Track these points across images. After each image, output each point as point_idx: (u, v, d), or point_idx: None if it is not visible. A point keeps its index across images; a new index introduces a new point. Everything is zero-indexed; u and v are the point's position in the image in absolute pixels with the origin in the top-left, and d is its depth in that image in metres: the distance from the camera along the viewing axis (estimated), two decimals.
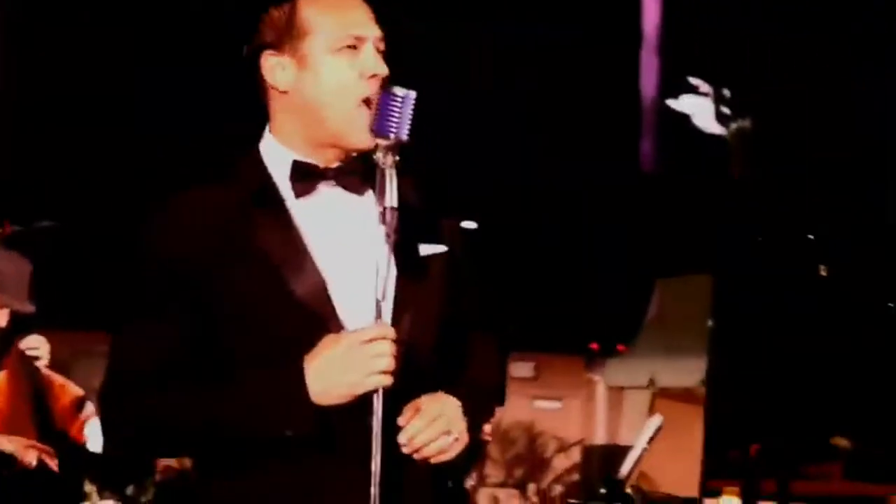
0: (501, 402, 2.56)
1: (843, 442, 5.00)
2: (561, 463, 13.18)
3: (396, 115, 2.30)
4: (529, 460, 12.61)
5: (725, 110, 17.81)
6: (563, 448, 12.77)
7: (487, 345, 2.56)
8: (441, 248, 2.48)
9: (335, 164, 2.43)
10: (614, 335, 14.44)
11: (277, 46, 2.44)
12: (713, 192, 17.10)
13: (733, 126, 17.86)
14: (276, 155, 2.47)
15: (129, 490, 6.33)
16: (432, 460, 2.32)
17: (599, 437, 13.76)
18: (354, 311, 2.38)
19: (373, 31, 2.42)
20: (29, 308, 5.07)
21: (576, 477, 13.02)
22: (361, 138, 2.39)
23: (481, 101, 13.35)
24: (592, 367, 14.00)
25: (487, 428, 2.71)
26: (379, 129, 2.32)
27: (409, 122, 2.33)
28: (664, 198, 17.89)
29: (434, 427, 2.30)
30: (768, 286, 4.07)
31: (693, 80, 17.99)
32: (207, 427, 2.39)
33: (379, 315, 2.26)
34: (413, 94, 2.33)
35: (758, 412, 4.33)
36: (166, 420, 2.39)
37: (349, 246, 2.41)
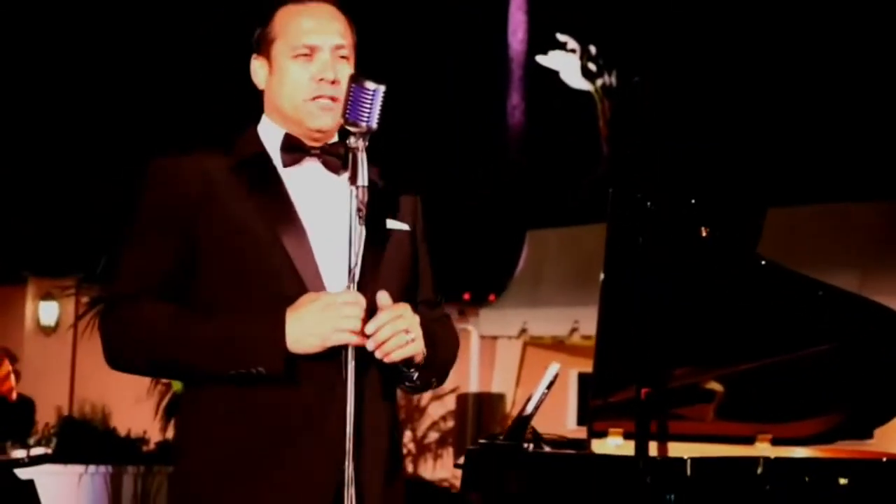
0: (443, 376, 2.81)
1: (715, 386, 5.39)
2: (436, 410, 13.48)
3: (367, 105, 2.58)
4: (405, 408, 12.87)
5: (592, 67, 18.23)
6: (438, 396, 13.03)
7: (448, 326, 2.89)
8: (404, 226, 2.79)
9: (318, 145, 2.75)
10: (486, 286, 14.82)
11: (259, 51, 2.80)
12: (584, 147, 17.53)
13: (599, 82, 18.31)
14: (270, 132, 2.78)
15: (31, 440, 6.57)
16: (389, 357, 2.58)
17: (473, 386, 14.10)
18: (328, 273, 2.68)
19: (328, 41, 2.73)
20: None
21: (451, 424, 13.33)
22: (314, 123, 2.71)
23: None
24: (465, 316, 14.29)
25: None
26: (351, 117, 2.59)
27: (379, 112, 2.60)
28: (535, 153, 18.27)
29: (396, 323, 2.57)
30: (655, 245, 4.37)
31: (561, 37, 18.37)
32: (190, 349, 2.65)
33: (352, 281, 2.59)
34: (382, 87, 2.61)
35: (640, 359, 4.62)
36: (155, 335, 2.65)
37: (326, 215, 2.71)
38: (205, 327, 2.67)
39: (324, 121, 2.72)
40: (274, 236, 2.71)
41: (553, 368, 4.51)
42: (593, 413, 5.09)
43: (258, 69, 2.85)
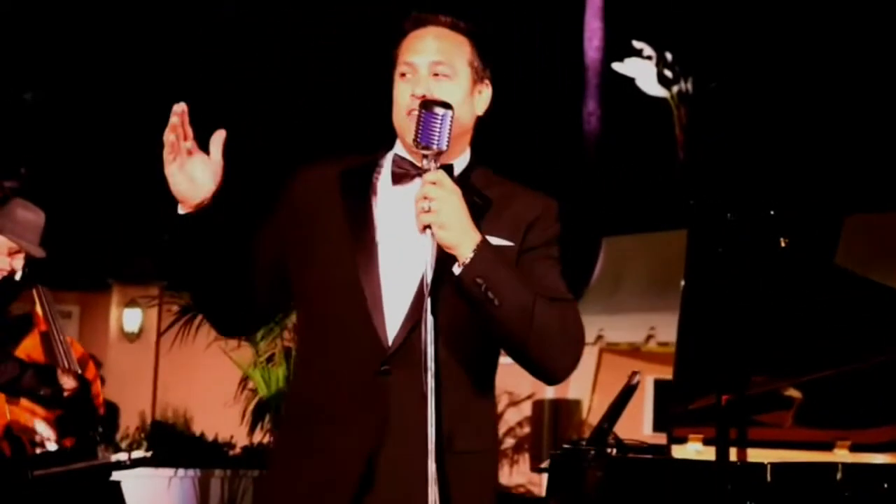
0: (514, 311, 2.74)
1: (794, 393, 5.46)
2: (512, 416, 13.53)
3: (436, 129, 2.71)
4: None
5: (668, 73, 18.24)
6: (514, 402, 13.07)
7: (555, 303, 2.82)
8: (504, 242, 2.83)
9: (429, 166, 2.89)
10: None
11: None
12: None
13: (675, 89, 18.32)
14: (396, 150, 2.96)
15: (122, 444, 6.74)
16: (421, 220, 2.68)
17: (549, 392, 14.15)
18: (391, 290, 2.82)
19: (424, 59, 2.89)
20: (41, 254, 5.46)
21: (527, 430, 13.38)
22: (409, 137, 2.82)
23: None
24: None
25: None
26: (422, 140, 2.73)
27: (448, 133, 2.72)
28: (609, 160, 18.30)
29: (430, 190, 2.66)
30: (735, 255, 4.46)
31: (637, 44, 18.40)
32: None
33: (427, 294, 2.67)
34: (450, 112, 2.73)
35: (720, 366, 4.71)
36: None
37: (409, 233, 2.81)
38: None
39: (411, 140, 2.86)
40: (348, 248, 2.88)
41: (635, 376, 4.62)
42: (673, 419, 5.19)
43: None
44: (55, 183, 13.01)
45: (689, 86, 18.08)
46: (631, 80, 18.14)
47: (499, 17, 17.16)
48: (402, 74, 2.93)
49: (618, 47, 18.32)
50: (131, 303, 14.81)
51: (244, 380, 9.10)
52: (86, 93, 14.34)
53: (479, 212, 2.81)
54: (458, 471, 2.78)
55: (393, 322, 2.83)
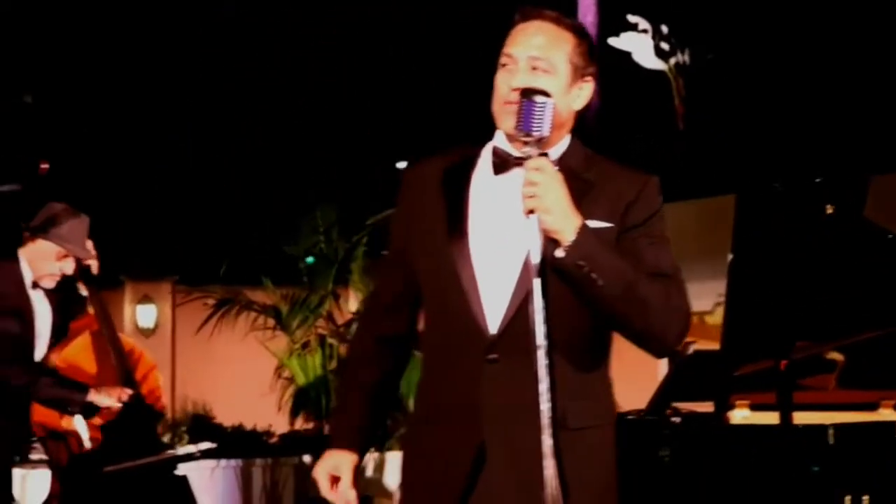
0: (615, 290, 2.82)
1: (836, 355, 5.56)
2: None
3: (537, 117, 2.80)
4: None
5: (664, 46, 18.28)
6: None
7: (655, 281, 2.90)
8: (604, 224, 2.91)
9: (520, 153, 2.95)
10: None
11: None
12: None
13: (672, 61, 18.36)
14: (495, 141, 3.03)
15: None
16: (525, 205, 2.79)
17: None
18: (487, 279, 2.92)
19: (524, 52, 2.96)
20: (89, 256, 5.56)
21: None
22: (503, 126, 2.95)
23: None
24: None
25: None
26: (523, 128, 2.82)
27: (549, 121, 2.81)
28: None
29: (534, 176, 2.77)
30: (782, 223, 4.55)
31: (632, 18, 18.42)
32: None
33: (537, 276, 2.78)
34: (551, 100, 2.83)
35: (769, 333, 4.79)
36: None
37: (510, 221, 2.91)
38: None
39: (508, 124, 2.95)
40: (444, 240, 2.98)
41: (689, 346, 4.72)
42: (726, 386, 5.26)
43: None
44: (66, 181, 13.05)
45: (687, 57, 18.14)
46: (627, 55, 18.19)
47: None
48: (503, 65, 3.02)
49: (612, 22, 18.35)
50: (144, 298, 14.88)
51: (279, 368, 9.19)
52: (91, 91, 14.37)
53: (579, 195, 2.89)
54: (574, 446, 2.86)
55: (492, 309, 2.92)
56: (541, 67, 2.99)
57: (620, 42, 18.18)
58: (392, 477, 9.01)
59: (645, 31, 18.07)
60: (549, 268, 2.81)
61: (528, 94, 2.87)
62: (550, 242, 2.81)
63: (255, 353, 9.38)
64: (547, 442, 2.74)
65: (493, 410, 2.88)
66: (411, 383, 3.35)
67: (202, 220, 14.45)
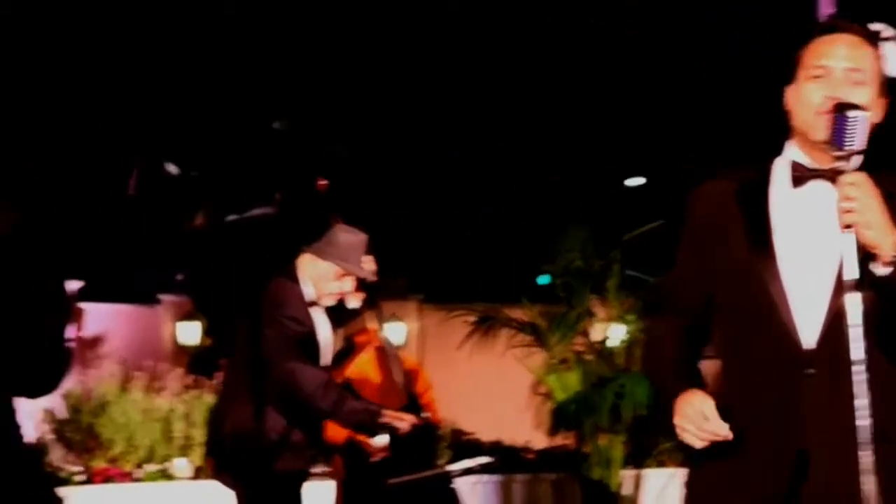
0: None
1: None
2: None
3: (850, 132, 2.84)
4: None
5: None
6: None
7: None
8: None
9: (827, 166, 3.00)
10: None
11: (790, 79, 3.13)
12: None
13: None
14: (787, 156, 3.10)
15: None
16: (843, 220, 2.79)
17: None
18: (800, 298, 2.94)
19: (840, 63, 3.01)
20: (369, 275, 5.68)
21: None
22: (818, 135, 2.97)
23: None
24: None
25: None
26: (835, 142, 2.87)
27: (864, 135, 2.87)
28: None
29: (851, 191, 2.78)
30: None
31: (874, 26, 18.00)
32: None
33: (845, 289, 2.79)
34: (864, 114, 2.87)
35: None
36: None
37: (817, 235, 2.97)
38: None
39: (820, 134, 2.97)
40: (747, 255, 3.02)
41: None
42: None
43: (788, 96, 3.14)
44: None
45: None
46: None
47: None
48: (816, 76, 3.04)
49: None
50: (392, 317, 15.19)
51: (535, 384, 9.27)
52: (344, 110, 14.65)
53: (892, 210, 2.89)
54: (894, 462, 2.85)
55: (806, 323, 2.94)
56: (857, 80, 3.00)
57: None
58: (649, 495, 8.99)
59: (890, 38, 17.64)
60: (866, 282, 2.81)
61: (841, 108, 2.89)
62: (865, 257, 2.81)
63: (501, 368, 9.46)
64: (867, 458, 2.74)
65: (813, 422, 2.90)
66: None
67: (450, 239, 14.63)
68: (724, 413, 2.96)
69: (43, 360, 2.82)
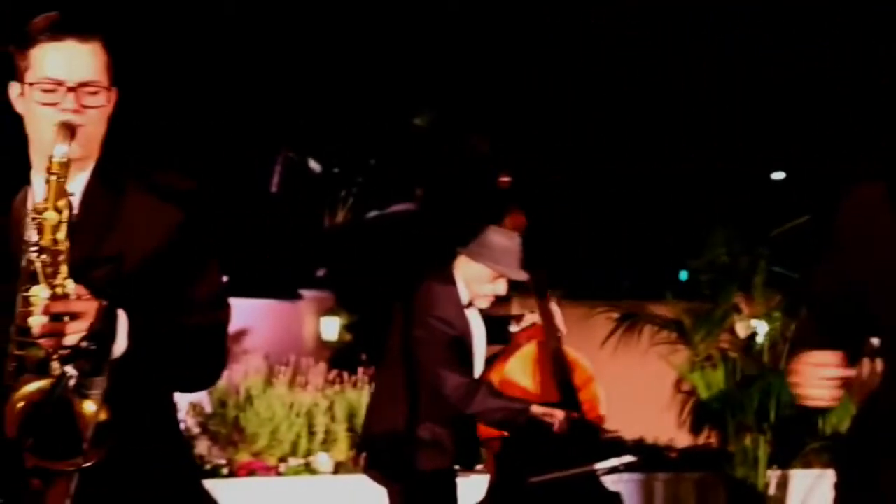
0: None
1: None
2: None
3: None
4: None
5: None
6: None
7: None
8: None
9: None
10: None
11: None
12: None
13: None
14: None
15: None
16: None
17: None
18: None
19: None
20: (523, 277, 5.66)
21: None
22: None
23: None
24: None
25: None
26: None
27: None
28: None
29: None
30: None
31: None
32: None
33: None
34: None
35: None
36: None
37: None
38: None
39: None
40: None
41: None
42: None
43: None
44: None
45: None
46: None
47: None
48: None
49: None
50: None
51: (679, 382, 9.20)
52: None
53: None
54: None
55: None
56: None
57: None
58: (795, 495, 8.87)
59: None
60: None
61: None
62: None
63: (644, 366, 9.38)
64: None
65: None
66: None
67: (593, 234, 14.53)
68: (886, 417, 2.90)
69: (209, 356, 2.85)
